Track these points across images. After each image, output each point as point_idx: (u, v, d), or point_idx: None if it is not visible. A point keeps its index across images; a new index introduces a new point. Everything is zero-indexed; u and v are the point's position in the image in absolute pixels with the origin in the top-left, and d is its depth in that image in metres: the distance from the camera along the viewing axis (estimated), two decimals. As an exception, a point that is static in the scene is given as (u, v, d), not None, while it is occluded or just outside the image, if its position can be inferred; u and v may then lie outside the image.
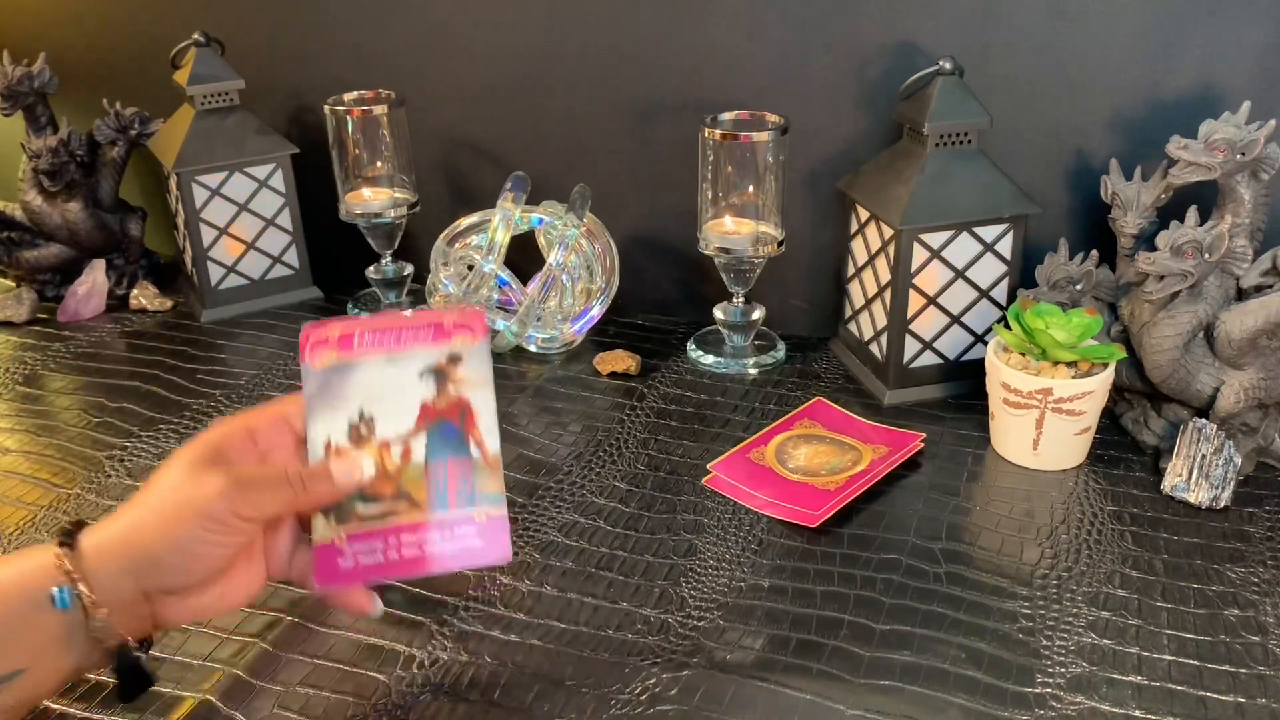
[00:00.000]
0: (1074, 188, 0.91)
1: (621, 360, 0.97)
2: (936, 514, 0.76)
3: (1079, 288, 0.84)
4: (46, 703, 0.60)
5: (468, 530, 0.58)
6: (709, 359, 0.99)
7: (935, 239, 0.86)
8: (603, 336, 1.04)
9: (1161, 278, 0.76)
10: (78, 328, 1.10)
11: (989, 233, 0.87)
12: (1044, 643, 0.63)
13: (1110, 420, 0.86)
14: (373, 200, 1.07)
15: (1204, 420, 0.77)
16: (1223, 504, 0.75)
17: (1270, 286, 0.78)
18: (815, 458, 0.82)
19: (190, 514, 0.52)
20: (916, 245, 0.86)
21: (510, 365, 1.00)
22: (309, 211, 1.13)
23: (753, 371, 0.97)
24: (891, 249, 0.87)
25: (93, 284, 1.13)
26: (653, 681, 0.61)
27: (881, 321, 0.91)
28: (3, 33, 1.27)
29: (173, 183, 1.08)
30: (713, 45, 0.97)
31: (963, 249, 0.87)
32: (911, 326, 0.89)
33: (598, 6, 1.00)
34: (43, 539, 0.75)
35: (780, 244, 0.95)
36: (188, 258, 1.13)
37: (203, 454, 0.54)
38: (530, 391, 0.95)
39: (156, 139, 1.12)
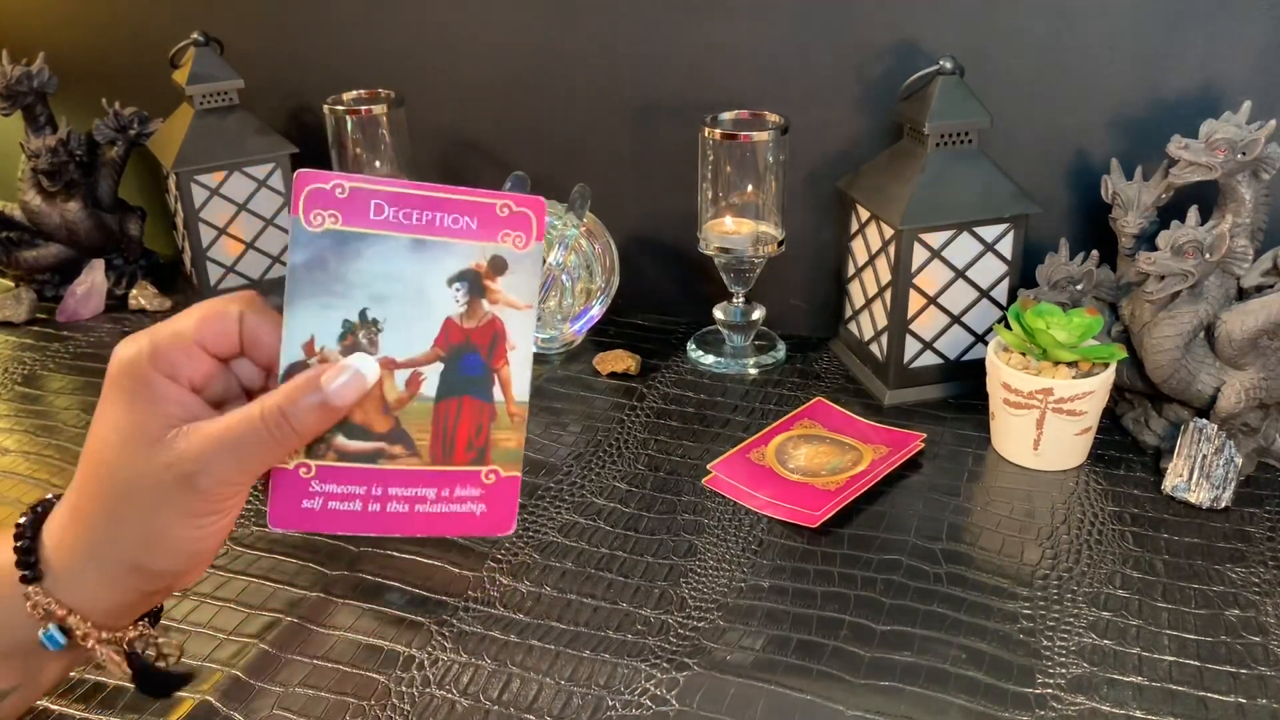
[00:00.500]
0: (1074, 187, 0.91)
1: (621, 360, 0.97)
2: (937, 514, 0.76)
3: (1079, 287, 0.84)
4: (46, 704, 0.60)
5: (471, 492, 0.48)
6: (709, 359, 0.99)
7: (936, 239, 0.86)
8: (603, 336, 1.04)
9: (1162, 278, 0.76)
10: (77, 328, 1.10)
11: (989, 232, 0.87)
12: (1044, 643, 0.63)
13: (1111, 420, 0.86)
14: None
15: (1205, 420, 0.77)
16: (1224, 504, 0.75)
17: (1271, 286, 0.78)
18: (815, 458, 0.82)
19: (173, 521, 0.45)
20: (917, 245, 0.86)
21: (510, 365, 0.99)
22: (308, 211, 1.13)
23: (753, 371, 0.97)
24: (892, 249, 0.87)
25: (92, 284, 1.13)
26: (653, 682, 0.61)
27: (882, 321, 0.91)
28: (2, 32, 1.26)
29: (172, 182, 1.08)
30: (712, 45, 0.97)
31: (963, 249, 0.87)
32: (912, 326, 0.89)
33: (598, 6, 1.00)
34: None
35: (780, 244, 0.95)
36: (187, 257, 1.13)
37: (155, 433, 0.44)
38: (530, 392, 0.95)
39: (156, 139, 1.12)
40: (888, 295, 0.89)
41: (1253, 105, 0.77)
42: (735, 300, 0.99)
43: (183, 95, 1.08)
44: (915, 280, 0.87)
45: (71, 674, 0.61)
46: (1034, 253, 0.87)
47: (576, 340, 1.02)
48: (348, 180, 0.45)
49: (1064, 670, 0.61)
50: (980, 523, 0.75)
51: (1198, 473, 0.75)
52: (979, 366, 0.85)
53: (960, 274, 0.88)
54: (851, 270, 0.96)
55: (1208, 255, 0.75)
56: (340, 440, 0.46)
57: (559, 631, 0.66)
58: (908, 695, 0.60)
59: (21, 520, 0.48)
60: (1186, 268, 0.75)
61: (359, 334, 0.46)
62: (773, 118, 0.93)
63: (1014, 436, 0.81)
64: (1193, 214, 0.76)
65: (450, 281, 0.46)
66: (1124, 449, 0.83)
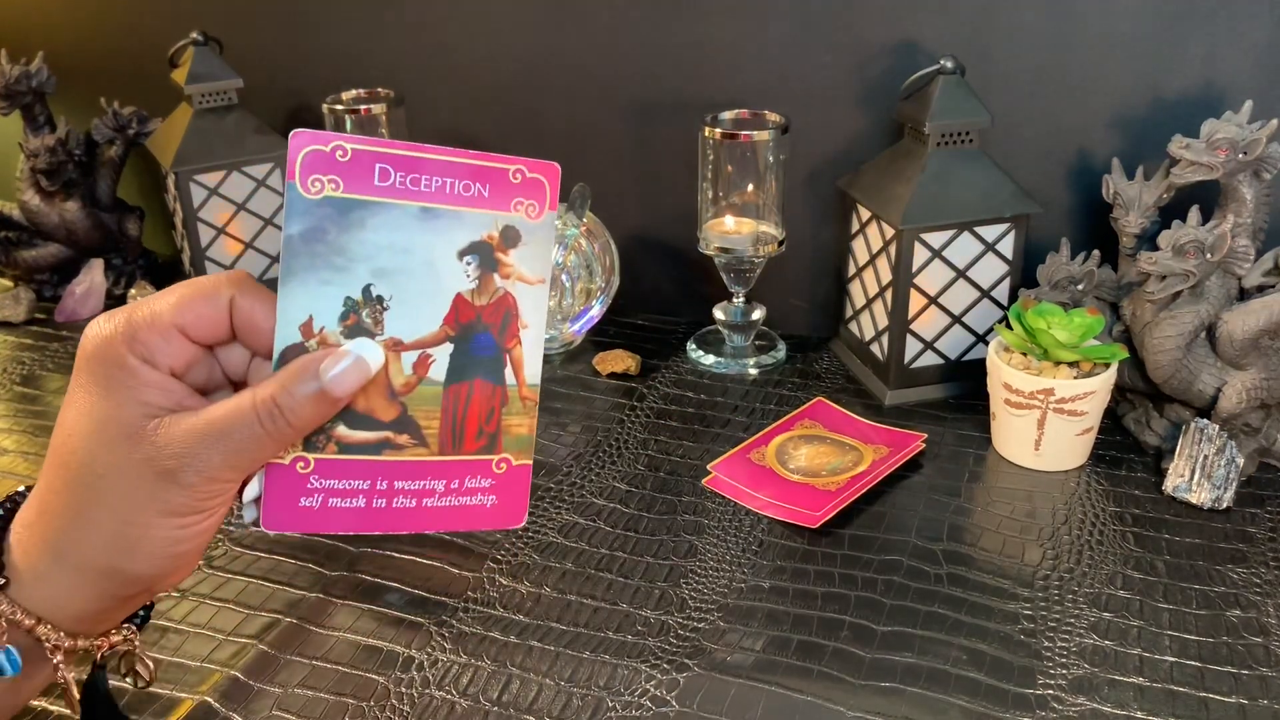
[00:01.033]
0: (1075, 187, 0.91)
1: (621, 360, 0.97)
2: (938, 515, 0.76)
3: (1080, 287, 0.84)
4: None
5: (481, 483, 0.45)
6: (709, 359, 0.99)
7: (936, 238, 0.86)
8: (603, 336, 1.04)
9: (1163, 277, 0.76)
10: (75, 327, 1.10)
11: (990, 232, 0.86)
12: (1045, 644, 0.63)
13: (1112, 420, 0.86)
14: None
15: (1206, 421, 0.77)
16: (1225, 505, 0.74)
17: (1272, 286, 0.77)
18: (816, 458, 0.82)
19: (152, 521, 0.41)
20: (917, 245, 0.85)
21: (510, 365, 0.99)
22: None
23: (753, 371, 0.97)
24: (892, 249, 0.87)
25: (90, 284, 1.13)
26: (653, 683, 0.61)
27: (882, 321, 0.91)
28: (2, 32, 1.26)
29: (171, 182, 1.08)
30: (713, 45, 0.97)
31: (964, 249, 0.87)
32: (912, 326, 0.89)
33: (598, 6, 1.00)
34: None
35: (781, 244, 0.95)
36: (186, 257, 1.13)
37: (132, 423, 0.41)
38: (530, 392, 0.94)
39: (154, 138, 1.11)
40: (888, 295, 0.89)
41: (1254, 105, 0.77)
42: (735, 300, 0.98)
43: (181, 95, 1.07)
44: (916, 280, 0.87)
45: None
46: (1035, 252, 0.87)
47: (576, 340, 1.02)
48: (349, 142, 0.40)
49: (1065, 671, 0.61)
50: (981, 523, 0.75)
51: (1199, 473, 0.75)
52: (980, 366, 0.85)
53: (961, 274, 0.88)
54: (852, 270, 0.96)
55: (1209, 255, 0.75)
56: (341, 430, 0.42)
57: (559, 632, 0.65)
58: (908, 696, 0.60)
59: None
60: (1188, 268, 0.75)
61: (362, 312, 0.42)
62: (773, 117, 0.93)
63: (1015, 437, 0.81)
64: (1194, 214, 0.76)
65: (461, 254, 0.42)
66: (1125, 449, 0.83)
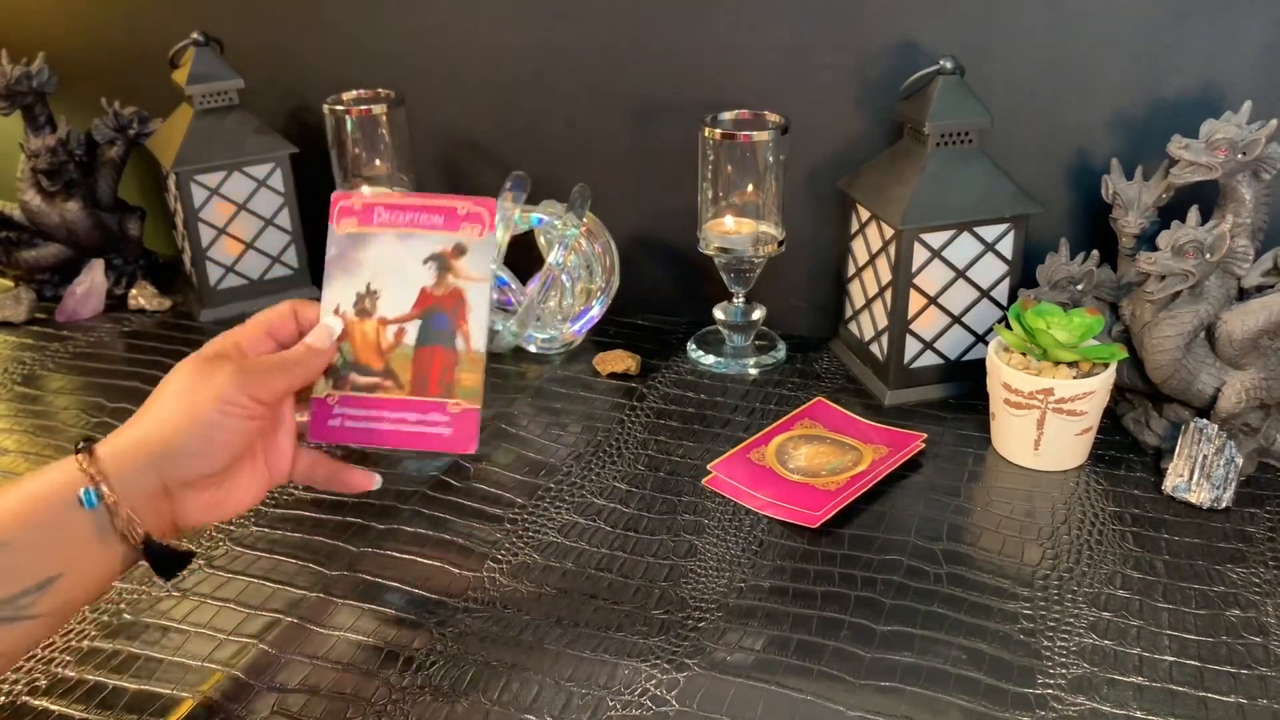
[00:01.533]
0: (1075, 187, 0.91)
1: (621, 360, 0.97)
2: (937, 515, 0.76)
3: (1080, 287, 0.84)
4: (45, 704, 0.60)
5: (440, 418, 0.64)
6: (709, 359, 0.99)
7: (936, 239, 0.86)
8: (603, 336, 1.04)
9: (1163, 277, 0.76)
10: (76, 328, 1.10)
11: (990, 232, 0.87)
12: (1045, 644, 0.63)
13: (1111, 420, 0.86)
14: (372, 200, 1.07)
15: (1205, 420, 0.77)
16: (1224, 504, 0.75)
17: (1271, 286, 0.78)
18: (816, 458, 0.82)
19: (205, 402, 0.56)
20: (917, 245, 0.86)
21: (510, 365, 0.99)
22: (308, 211, 1.13)
23: (753, 371, 0.97)
24: (892, 249, 0.87)
25: (91, 284, 1.13)
26: (653, 683, 0.61)
27: (882, 321, 0.91)
28: (2, 32, 1.26)
29: (171, 182, 1.08)
30: (713, 45, 0.97)
31: (963, 249, 0.87)
32: (912, 326, 0.89)
33: (598, 6, 1.00)
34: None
35: (780, 244, 0.95)
36: (186, 257, 1.13)
37: (204, 356, 0.59)
38: (530, 392, 0.95)
39: (155, 138, 1.12)
40: (888, 295, 0.89)
41: (1253, 105, 0.77)
42: (735, 300, 0.99)
43: (182, 95, 1.07)
44: (915, 280, 0.87)
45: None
46: (1034, 253, 0.87)
47: (576, 340, 1.02)
48: (360, 199, 0.65)
49: (1064, 671, 0.61)
50: (980, 523, 0.75)
51: (1198, 473, 0.75)
52: (979, 366, 0.85)
53: (961, 274, 0.88)
54: (852, 270, 0.96)
55: (1208, 255, 0.75)
56: (354, 376, 0.64)
57: (559, 632, 0.65)
58: (908, 696, 0.60)
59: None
60: (1187, 268, 0.75)
61: (364, 300, 0.64)
62: (773, 118, 0.93)
63: (1014, 437, 0.81)
64: (1193, 214, 0.76)
65: (425, 261, 0.64)
66: (1124, 449, 0.83)
